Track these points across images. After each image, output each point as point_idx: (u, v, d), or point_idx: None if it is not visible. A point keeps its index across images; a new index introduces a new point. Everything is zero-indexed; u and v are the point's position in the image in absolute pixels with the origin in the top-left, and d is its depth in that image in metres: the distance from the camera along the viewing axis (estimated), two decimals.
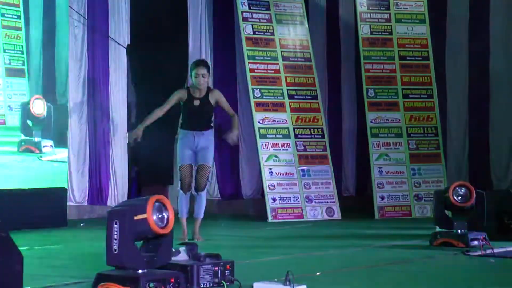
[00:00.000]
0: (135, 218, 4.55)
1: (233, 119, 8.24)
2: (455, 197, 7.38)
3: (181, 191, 8.07)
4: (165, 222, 4.65)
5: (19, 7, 9.84)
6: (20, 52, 9.84)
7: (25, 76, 9.87)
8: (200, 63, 8.21)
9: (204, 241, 7.91)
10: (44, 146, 9.86)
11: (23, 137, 9.75)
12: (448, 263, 6.55)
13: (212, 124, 8.29)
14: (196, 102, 8.02)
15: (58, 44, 10.36)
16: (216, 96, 8.17)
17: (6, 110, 9.68)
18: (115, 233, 4.55)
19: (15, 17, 9.83)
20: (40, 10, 10.05)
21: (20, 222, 8.91)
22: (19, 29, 9.85)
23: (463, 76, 12.51)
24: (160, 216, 4.63)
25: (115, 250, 4.55)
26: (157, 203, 4.63)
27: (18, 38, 9.83)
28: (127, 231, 4.54)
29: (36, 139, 9.79)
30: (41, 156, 9.86)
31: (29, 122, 9.73)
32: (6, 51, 9.71)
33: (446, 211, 7.59)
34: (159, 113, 8.02)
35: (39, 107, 9.80)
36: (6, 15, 9.72)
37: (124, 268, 4.60)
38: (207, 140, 8.15)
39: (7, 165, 9.50)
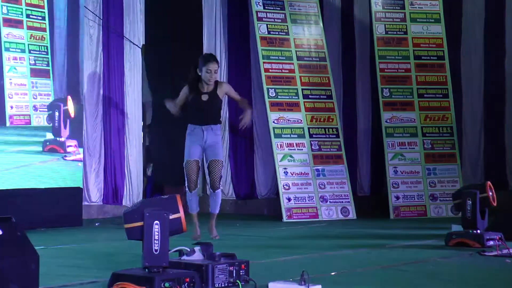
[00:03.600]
0: (170, 217, 4.60)
1: (244, 103, 8.15)
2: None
3: (187, 189, 7.91)
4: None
5: (43, 9, 9.94)
6: (44, 53, 9.94)
7: (49, 77, 9.97)
8: (212, 58, 7.99)
9: (219, 239, 7.89)
10: (68, 146, 9.95)
11: (48, 137, 9.83)
12: (463, 263, 6.53)
13: (221, 119, 8.17)
14: (204, 97, 7.87)
15: (82, 44, 10.45)
16: (225, 89, 8.01)
17: (32, 110, 9.77)
18: (156, 233, 4.56)
19: (40, 18, 9.92)
20: (65, 11, 10.15)
21: (36, 221, 8.96)
22: (43, 30, 9.94)
23: (479, 75, 12.44)
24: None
25: (156, 250, 4.57)
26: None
27: (43, 39, 9.92)
28: (166, 231, 4.58)
29: (61, 139, 9.88)
30: (65, 156, 9.94)
31: (56, 123, 9.84)
32: (31, 52, 9.80)
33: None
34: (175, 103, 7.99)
35: (71, 108, 9.94)
36: (31, 16, 9.82)
37: (165, 268, 4.62)
38: (215, 135, 7.96)
39: (31, 165, 9.58)
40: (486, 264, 6.44)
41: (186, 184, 7.90)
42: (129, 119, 10.91)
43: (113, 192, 10.69)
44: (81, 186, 10.08)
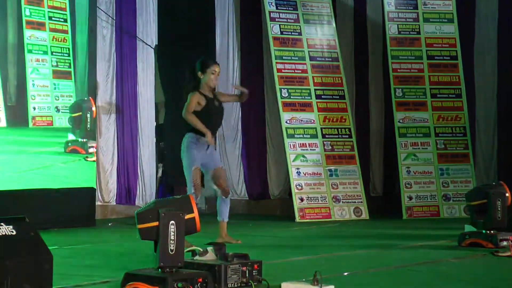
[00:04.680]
0: (186, 217, 4.61)
1: (241, 94, 7.84)
2: None
3: (194, 195, 7.38)
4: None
5: (65, 11, 10.04)
6: (66, 55, 10.04)
7: (71, 78, 10.06)
8: (215, 61, 7.93)
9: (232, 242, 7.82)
10: (90, 147, 10.05)
11: (69, 138, 9.93)
12: (476, 263, 6.52)
13: None
14: (216, 103, 7.62)
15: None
16: (222, 95, 7.84)
17: (54, 112, 9.84)
18: (172, 233, 4.56)
19: (62, 20, 10.02)
20: (86, 13, 10.24)
21: (50, 222, 8.98)
22: (65, 32, 10.06)
23: (492, 75, 12.35)
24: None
25: (171, 250, 4.57)
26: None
27: (65, 41, 10.02)
28: (182, 231, 4.59)
29: (83, 140, 9.96)
30: (86, 157, 10.02)
31: (88, 124, 9.94)
32: (54, 53, 9.91)
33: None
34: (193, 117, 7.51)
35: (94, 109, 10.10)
36: (53, 18, 9.92)
37: (179, 267, 4.63)
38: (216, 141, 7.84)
39: (52, 166, 9.67)
40: (500, 264, 6.43)
41: (192, 192, 7.44)
42: (142, 119, 10.92)
43: (126, 192, 10.69)
44: (95, 187, 10.11)
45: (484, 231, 7.34)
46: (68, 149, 9.90)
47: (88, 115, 9.94)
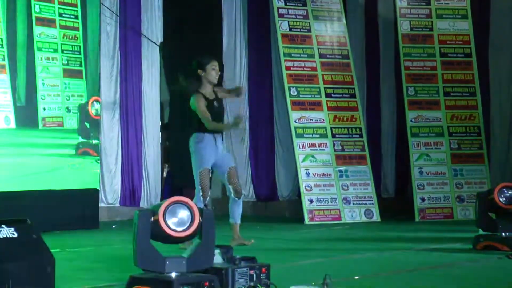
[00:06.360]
0: (152, 219, 4.53)
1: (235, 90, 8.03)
2: (500, 199, 7.22)
3: (201, 198, 7.42)
4: (186, 225, 4.55)
5: (76, 7, 9.97)
6: (77, 53, 9.99)
7: (82, 78, 9.99)
8: (212, 57, 7.91)
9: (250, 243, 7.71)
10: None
11: (81, 139, 9.86)
12: (491, 267, 6.47)
13: None
14: (216, 103, 7.62)
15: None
16: (220, 91, 7.80)
17: (64, 112, 9.79)
18: (134, 234, 4.55)
19: (73, 17, 9.97)
20: (97, 10, 10.16)
21: (52, 224, 8.96)
22: (76, 29, 9.99)
23: (507, 73, 12.32)
24: (178, 219, 4.55)
25: (134, 251, 4.55)
26: (176, 205, 4.56)
27: (76, 38, 9.95)
28: (144, 232, 4.51)
29: (94, 141, 9.89)
30: (98, 159, 9.95)
31: (87, 124, 9.87)
32: (64, 52, 9.85)
33: (490, 214, 7.48)
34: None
35: (97, 109, 9.97)
36: (64, 15, 9.85)
37: (146, 270, 4.56)
38: (223, 142, 7.75)
39: (59, 167, 9.57)
40: None
41: (200, 194, 7.45)
42: (146, 118, 10.85)
43: (130, 194, 10.65)
44: (96, 188, 10.01)
45: (498, 234, 7.25)
46: (80, 151, 9.84)
47: (80, 114, 9.84)
